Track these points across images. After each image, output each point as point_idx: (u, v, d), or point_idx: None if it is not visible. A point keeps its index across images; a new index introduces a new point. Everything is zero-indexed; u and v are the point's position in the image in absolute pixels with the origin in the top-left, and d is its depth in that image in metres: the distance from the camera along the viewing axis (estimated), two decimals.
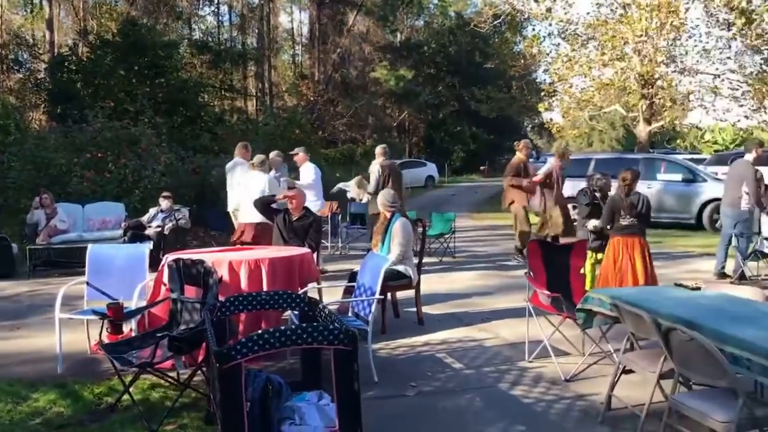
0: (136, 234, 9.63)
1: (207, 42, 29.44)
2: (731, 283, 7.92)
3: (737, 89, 17.63)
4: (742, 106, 17.73)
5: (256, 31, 33.96)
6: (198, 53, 27.40)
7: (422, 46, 40.84)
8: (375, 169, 9.34)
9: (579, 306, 4.54)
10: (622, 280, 6.24)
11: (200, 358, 4.57)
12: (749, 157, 8.60)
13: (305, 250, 6.14)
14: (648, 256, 6.38)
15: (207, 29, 32.57)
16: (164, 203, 10.20)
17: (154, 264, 6.01)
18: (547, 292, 5.17)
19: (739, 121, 18.73)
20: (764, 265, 9.02)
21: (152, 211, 10.24)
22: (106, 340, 4.80)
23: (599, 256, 6.79)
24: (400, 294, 6.66)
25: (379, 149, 9.59)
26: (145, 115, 15.08)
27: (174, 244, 9.39)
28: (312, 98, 33.01)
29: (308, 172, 9.60)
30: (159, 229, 9.84)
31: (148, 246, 5.92)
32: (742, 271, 8.49)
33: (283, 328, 3.25)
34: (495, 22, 21.65)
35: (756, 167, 8.53)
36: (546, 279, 5.63)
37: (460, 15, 42.23)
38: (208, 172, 14.15)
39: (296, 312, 4.70)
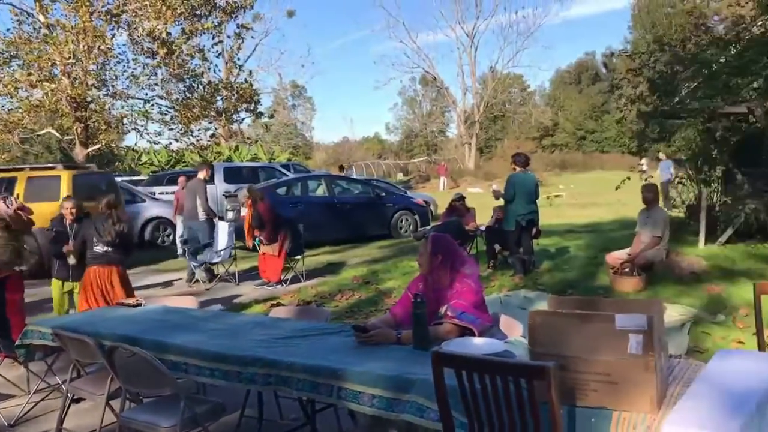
0: None
1: None
2: (189, 287, 9.34)
3: (166, 114, 18.77)
4: (172, 129, 18.95)
5: None
6: None
7: None
8: None
9: (18, 342, 4.24)
10: None
11: None
12: (201, 175, 10.31)
13: None
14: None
15: None
16: None
17: None
18: None
19: (170, 143, 20.00)
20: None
21: None
22: None
23: (68, 285, 6.35)
24: None
25: None
26: None
27: None
28: None
29: None
30: None
31: None
32: (195, 276, 9.70)
33: None
34: None
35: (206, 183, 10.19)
36: None
37: None
38: None
39: None
